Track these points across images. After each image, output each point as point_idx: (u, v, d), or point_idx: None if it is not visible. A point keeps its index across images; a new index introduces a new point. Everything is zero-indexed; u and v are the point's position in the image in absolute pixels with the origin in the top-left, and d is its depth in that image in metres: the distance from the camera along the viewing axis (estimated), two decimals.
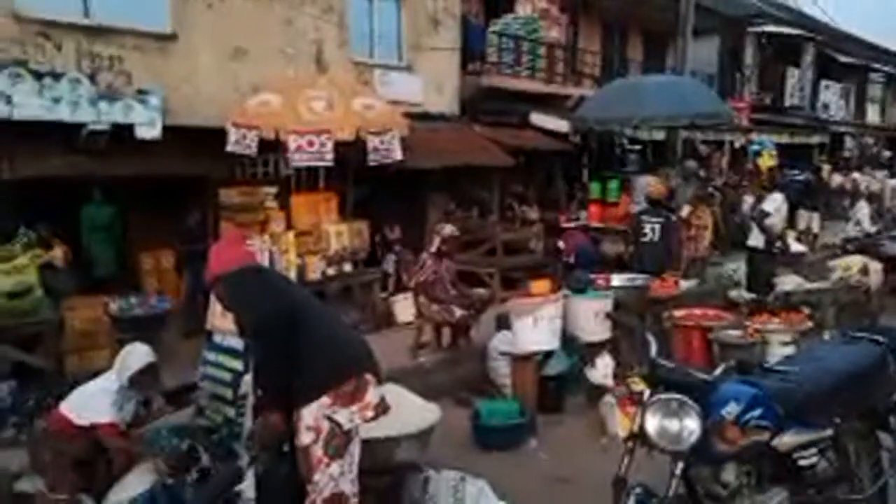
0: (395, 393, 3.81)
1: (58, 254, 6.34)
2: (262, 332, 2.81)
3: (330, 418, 2.78)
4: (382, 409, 2.94)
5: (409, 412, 3.65)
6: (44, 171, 6.52)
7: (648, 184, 8.52)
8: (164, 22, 7.57)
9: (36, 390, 5.27)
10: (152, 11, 7.48)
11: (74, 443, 3.85)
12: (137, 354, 4.06)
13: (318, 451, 2.77)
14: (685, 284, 7.52)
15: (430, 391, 5.02)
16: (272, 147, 7.29)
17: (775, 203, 8.33)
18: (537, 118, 11.52)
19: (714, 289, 8.34)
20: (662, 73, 14.25)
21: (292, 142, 6.78)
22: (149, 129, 6.98)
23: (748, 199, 8.67)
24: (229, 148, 7.10)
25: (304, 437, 2.78)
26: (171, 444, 4.06)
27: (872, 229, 10.89)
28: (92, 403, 3.91)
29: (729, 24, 17.49)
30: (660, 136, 12.04)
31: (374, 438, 3.23)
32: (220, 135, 7.10)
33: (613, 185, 10.97)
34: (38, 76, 6.39)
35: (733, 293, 7.64)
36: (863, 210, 11.52)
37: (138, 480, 3.78)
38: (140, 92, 7.07)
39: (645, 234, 7.61)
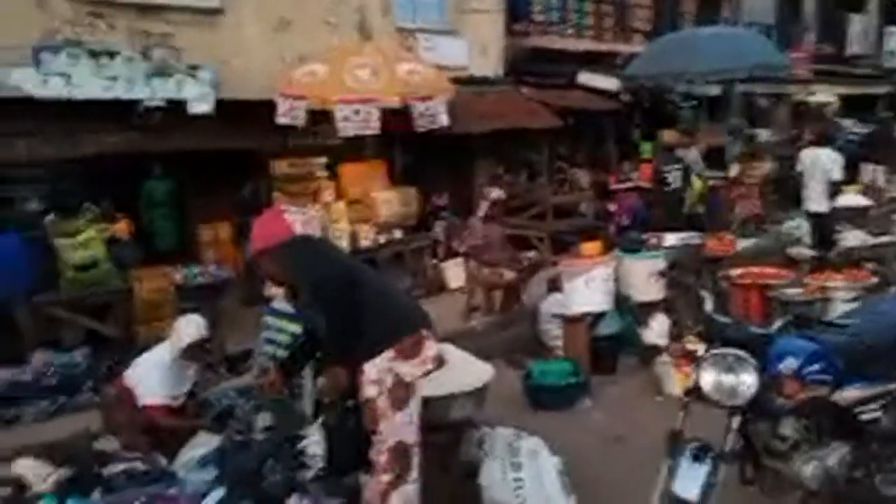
0: (449, 352, 3.87)
1: (122, 227, 6.60)
2: (321, 297, 2.90)
3: (393, 371, 2.90)
4: (440, 362, 3.06)
5: (464, 371, 3.70)
6: (103, 149, 6.75)
7: (665, 134, 8.94)
8: None
9: (108, 357, 5.56)
10: None
11: (140, 413, 4.06)
12: (190, 328, 4.21)
13: (381, 403, 2.89)
14: (742, 243, 7.34)
15: (481, 354, 5.06)
16: (320, 117, 7.37)
17: (839, 163, 7.96)
18: (585, 77, 11.27)
19: (773, 246, 8.11)
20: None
21: (339, 111, 6.83)
22: (201, 104, 7.10)
23: (804, 157, 8.21)
24: (278, 119, 7.19)
25: (369, 390, 2.90)
26: (237, 405, 4.23)
27: None
28: (146, 378, 4.12)
29: None
30: (715, 91, 11.64)
31: (431, 396, 3.30)
32: (269, 107, 7.20)
33: None
34: (94, 55, 6.56)
35: (793, 250, 7.41)
36: None
37: (208, 438, 3.97)
38: (191, 67, 7.20)
39: (668, 183, 8.06)
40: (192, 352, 4.20)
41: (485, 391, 3.69)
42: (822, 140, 8.62)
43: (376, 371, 2.90)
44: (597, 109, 11.15)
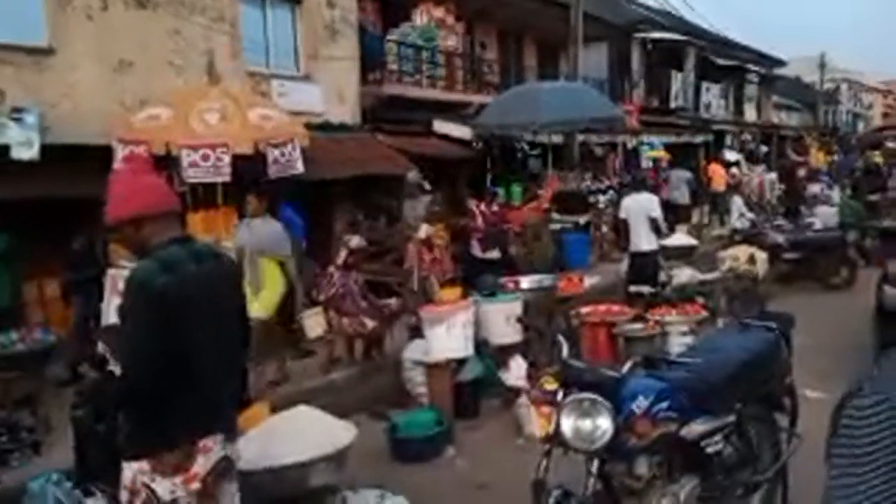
0: (307, 414, 3.70)
1: None
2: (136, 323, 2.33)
3: (147, 486, 2.40)
4: (214, 475, 2.49)
5: (323, 433, 3.53)
6: None
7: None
8: (40, 35, 7.08)
9: None
10: (26, 25, 6.99)
11: None
12: None
13: None
14: (589, 281, 7.74)
15: (344, 407, 4.91)
16: (164, 163, 6.94)
17: (656, 202, 8.57)
18: (440, 125, 11.58)
19: (615, 283, 8.63)
20: (557, 79, 14.71)
21: (185, 157, 6.49)
22: (26, 150, 6.49)
23: (627, 204, 8.56)
24: (116, 166, 6.69)
25: (122, 494, 2.46)
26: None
27: (749, 216, 11.69)
28: None
29: (616, 32, 18.28)
30: (558, 139, 12.39)
31: (287, 465, 3.10)
32: (106, 152, 6.69)
33: (517, 188, 11.18)
34: None
35: (633, 288, 7.91)
36: (737, 202, 12.36)
37: None
38: (15, 110, 6.57)
39: None
40: None
41: (346, 453, 3.53)
42: (640, 186, 9.16)
43: (129, 479, 2.41)
44: (451, 157, 11.46)
